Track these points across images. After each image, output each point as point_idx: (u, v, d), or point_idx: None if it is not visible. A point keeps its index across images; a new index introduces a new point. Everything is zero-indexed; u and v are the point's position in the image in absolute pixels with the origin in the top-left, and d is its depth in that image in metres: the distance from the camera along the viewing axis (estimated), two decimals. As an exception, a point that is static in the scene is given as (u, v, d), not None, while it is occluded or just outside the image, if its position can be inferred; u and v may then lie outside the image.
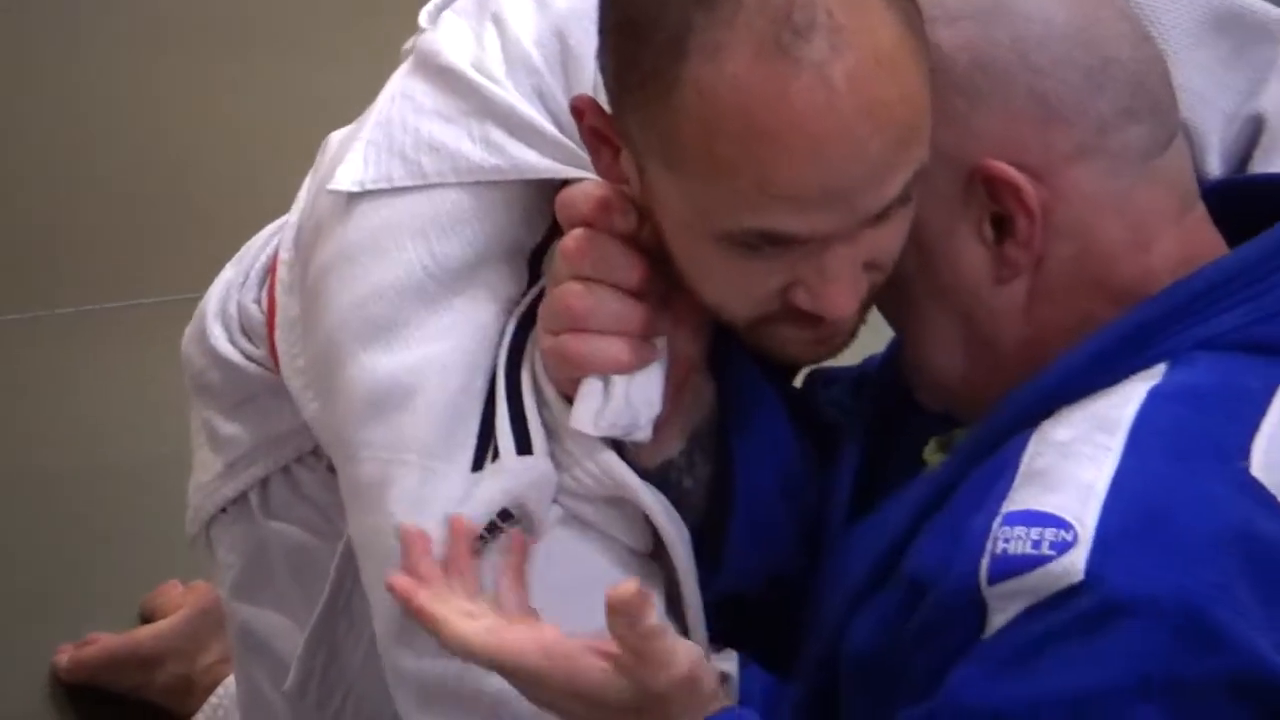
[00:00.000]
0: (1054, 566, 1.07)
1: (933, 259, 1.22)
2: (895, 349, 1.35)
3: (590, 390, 1.24)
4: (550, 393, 1.28)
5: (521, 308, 1.30)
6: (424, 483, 1.28)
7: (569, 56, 1.32)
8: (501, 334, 1.30)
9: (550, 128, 1.30)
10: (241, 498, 1.57)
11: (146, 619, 2.05)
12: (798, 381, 1.44)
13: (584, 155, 1.26)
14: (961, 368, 1.25)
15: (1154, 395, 1.15)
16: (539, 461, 1.27)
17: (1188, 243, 1.22)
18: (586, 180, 1.26)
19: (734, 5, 1.11)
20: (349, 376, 1.31)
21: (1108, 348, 1.19)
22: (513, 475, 1.26)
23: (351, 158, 1.34)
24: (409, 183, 1.31)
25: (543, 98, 1.31)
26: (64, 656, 2.00)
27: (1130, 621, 1.06)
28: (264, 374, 1.52)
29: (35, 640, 2.03)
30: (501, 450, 1.27)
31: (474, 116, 1.31)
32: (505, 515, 1.26)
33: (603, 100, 1.22)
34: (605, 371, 1.24)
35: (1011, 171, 1.17)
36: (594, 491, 1.29)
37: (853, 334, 1.24)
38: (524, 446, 1.27)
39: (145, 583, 2.08)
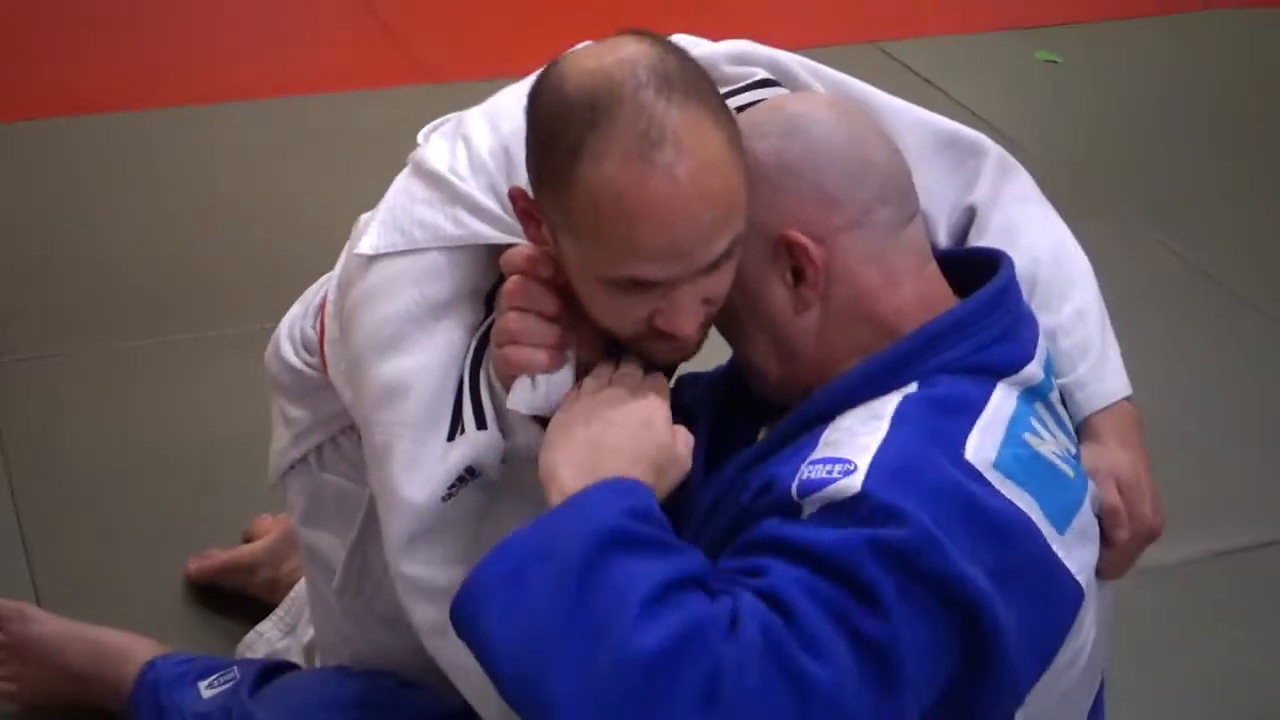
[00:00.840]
0: (841, 483, 1.25)
1: (753, 297, 1.40)
2: (734, 362, 1.53)
3: (522, 384, 1.42)
4: (498, 386, 1.45)
5: (480, 330, 1.49)
6: (415, 448, 1.46)
7: (512, 164, 1.49)
8: (468, 348, 1.48)
9: (498, 210, 1.49)
10: (304, 459, 1.80)
11: (248, 541, 2.27)
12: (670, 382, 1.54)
13: (517, 226, 1.45)
14: (776, 372, 1.43)
15: (908, 400, 1.34)
16: (491, 433, 1.45)
17: (925, 289, 1.41)
18: (521, 244, 1.44)
19: (610, 126, 1.27)
20: (371, 375, 1.49)
21: (876, 368, 1.37)
22: (473, 443, 1.45)
23: (370, 231, 1.55)
24: (405, 248, 1.51)
25: (495, 190, 1.50)
26: (192, 565, 2.23)
27: (889, 521, 1.23)
28: (318, 376, 1.75)
29: (173, 554, 2.27)
30: (466, 426, 1.45)
31: (448, 203, 1.50)
32: (470, 471, 1.45)
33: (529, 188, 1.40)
34: (532, 372, 1.42)
35: (803, 238, 1.36)
36: (523, 450, 1.46)
37: (698, 346, 1.41)
38: (481, 423, 1.45)
39: (248, 516, 2.31)
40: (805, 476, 1.28)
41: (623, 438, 1.34)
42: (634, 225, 1.29)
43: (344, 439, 1.78)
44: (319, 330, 1.76)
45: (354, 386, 1.57)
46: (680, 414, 1.44)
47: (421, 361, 1.48)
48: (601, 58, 1.32)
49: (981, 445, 1.32)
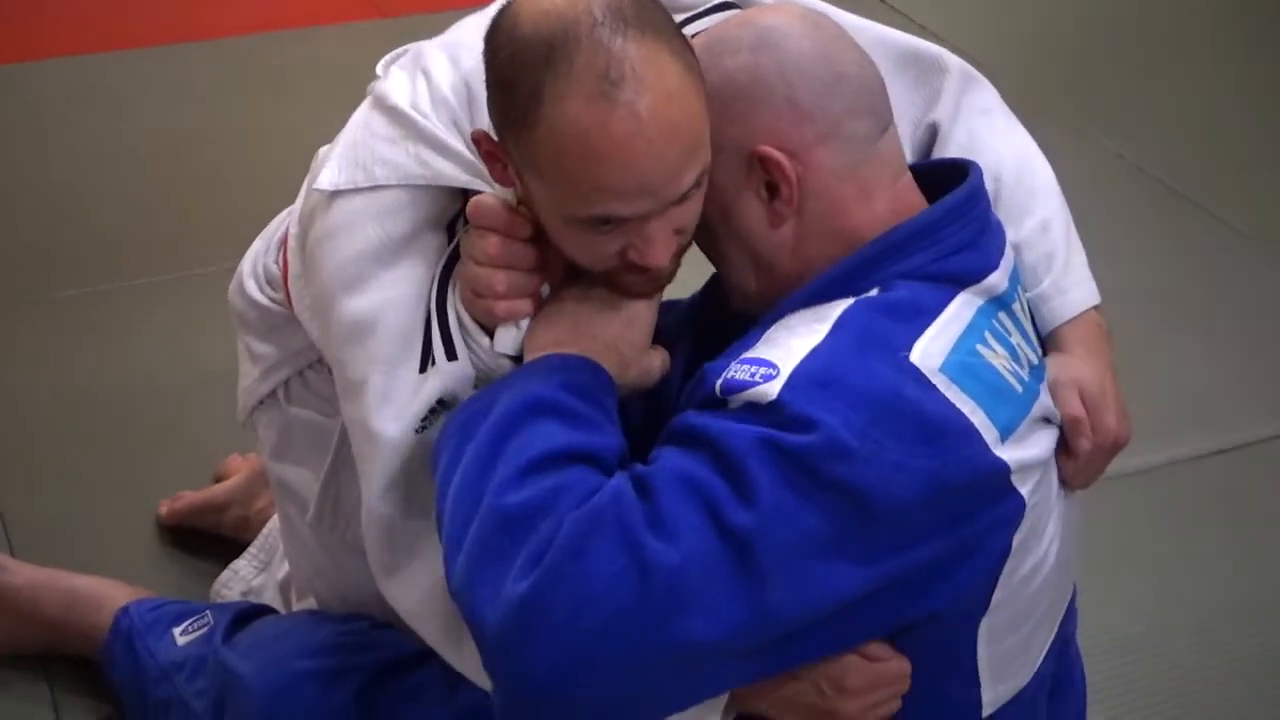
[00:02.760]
0: (760, 389, 1.25)
1: (729, 214, 1.38)
2: (713, 281, 1.52)
3: (506, 330, 1.43)
4: (470, 325, 1.43)
5: (442, 262, 1.46)
6: (387, 381, 1.44)
7: (473, 99, 1.46)
8: (432, 280, 1.45)
9: (461, 148, 1.45)
10: (272, 394, 1.76)
11: (219, 479, 2.24)
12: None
13: (483, 169, 1.42)
14: (754, 285, 1.41)
15: (857, 303, 1.31)
16: (462, 365, 1.43)
17: (898, 201, 1.38)
18: (488, 192, 1.41)
19: (568, 67, 1.25)
20: (337, 313, 1.46)
21: (837, 275, 1.35)
22: (444, 374, 1.43)
23: (329, 166, 1.50)
24: (367, 185, 1.47)
25: (457, 126, 1.46)
26: (163, 508, 2.20)
27: (800, 431, 1.23)
28: (283, 310, 1.71)
29: (144, 499, 2.23)
30: (436, 358, 1.43)
31: (410, 140, 1.46)
32: (441, 404, 1.43)
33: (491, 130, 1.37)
34: (519, 320, 1.42)
35: (776, 153, 1.34)
36: (493, 374, 1.44)
37: (671, 275, 1.40)
38: (451, 354, 1.43)
39: (218, 457, 2.28)
40: (731, 375, 1.28)
41: (602, 325, 1.37)
42: (600, 165, 1.27)
43: (311, 373, 1.74)
44: (282, 265, 1.72)
45: (321, 324, 1.54)
46: (659, 339, 1.45)
47: (388, 297, 1.45)
48: (556, 2, 1.28)
49: (929, 350, 1.30)
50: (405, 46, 1.62)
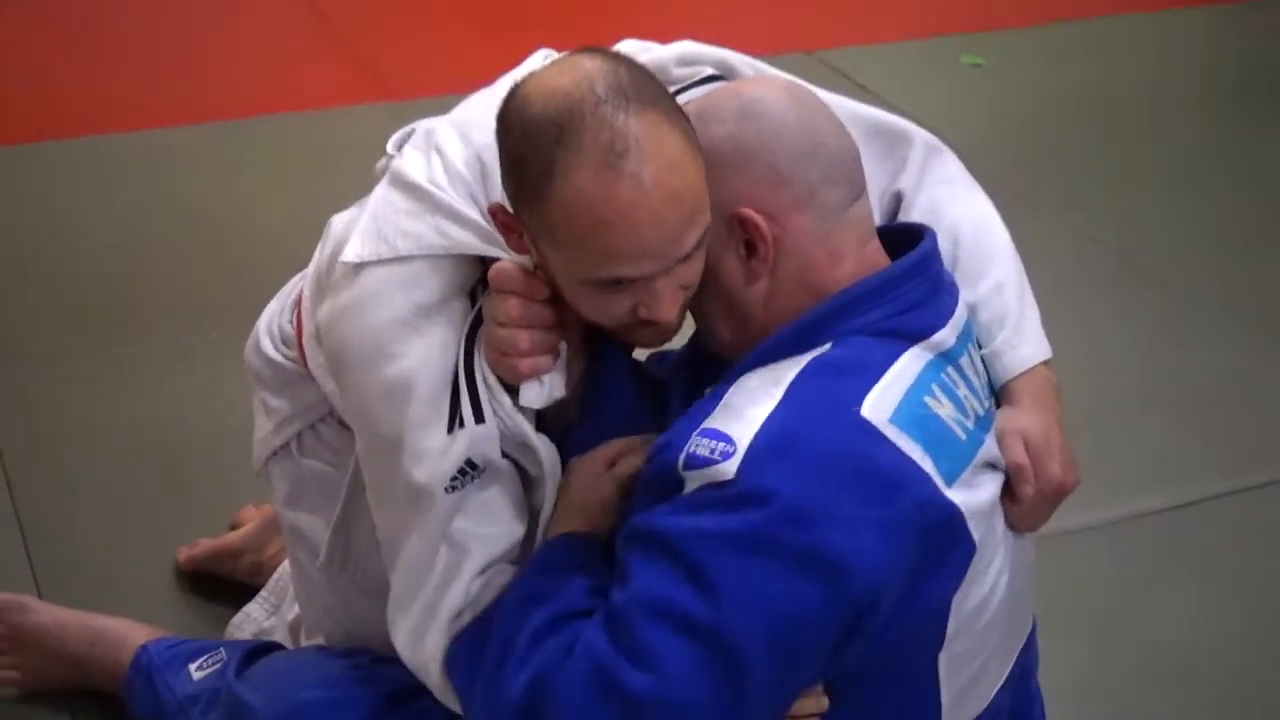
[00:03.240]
0: (719, 466, 1.30)
1: (709, 269, 1.43)
2: (697, 333, 1.56)
3: (530, 386, 1.48)
4: (495, 386, 1.48)
5: (466, 327, 1.50)
6: (420, 441, 1.47)
7: (486, 173, 1.51)
8: (459, 344, 1.49)
9: (479, 218, 1.49)
10: (285, 446, 1.82)
11: (234, 528, 2.29)
12: (642, 357, 1.66)
13: (499, 238, 1.48)
14: (728, 335, 1.47)
15: (810, 365, 1.36)
16: (489, 426, 1.47)
17: (864, 263, 1.43)
18: (506, 259, 1.46)
19: (577, 143, 1.31)
20: (369, 379, 1.50)
21: (798, 329, 1.40)
22: (472, 436, 1.47)
23: (354, 240, 1.54)
24: (391, 256, 1.51)
25: (473, 198, 1.51)
26: (182, 554, 2.26)
27: (754, 506, 1.28)
28: (297, 368, 1.77)
29: (165, 545, 2.30)
30: (465, 420, 1.47)
31: (429, 213, 1.51)
32: (471, 465, 1.47)
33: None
34: (540, 375, 1.48)
35: (756, 216, 1.39)
36: (513, 435, 1.50)
37: (678, 327, 1.46)
38: (479, 418, 1.47)
39: (233, 507, 2.34)
40: (692, 450, 1.33)
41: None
42: (609, 232, 1.33)
43: (323, 426, 1.80)
44: (296, 325, 1.79)
45: (346, 387, 1.58)
46: (653, 384, 1.56)
47: (418, 362, 1.49)
48: (560, 78, 1.35)
49: (878, 403, 1.35)
50: (413, 125, 1.68)
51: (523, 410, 1.49)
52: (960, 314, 1.48)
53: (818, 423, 1.33)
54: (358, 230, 1.56)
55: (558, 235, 1.36)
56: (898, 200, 1.62)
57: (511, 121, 1.36)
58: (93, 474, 2.53)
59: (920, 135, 1.65)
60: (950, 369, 1.44)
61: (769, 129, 1.41)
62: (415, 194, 1.53)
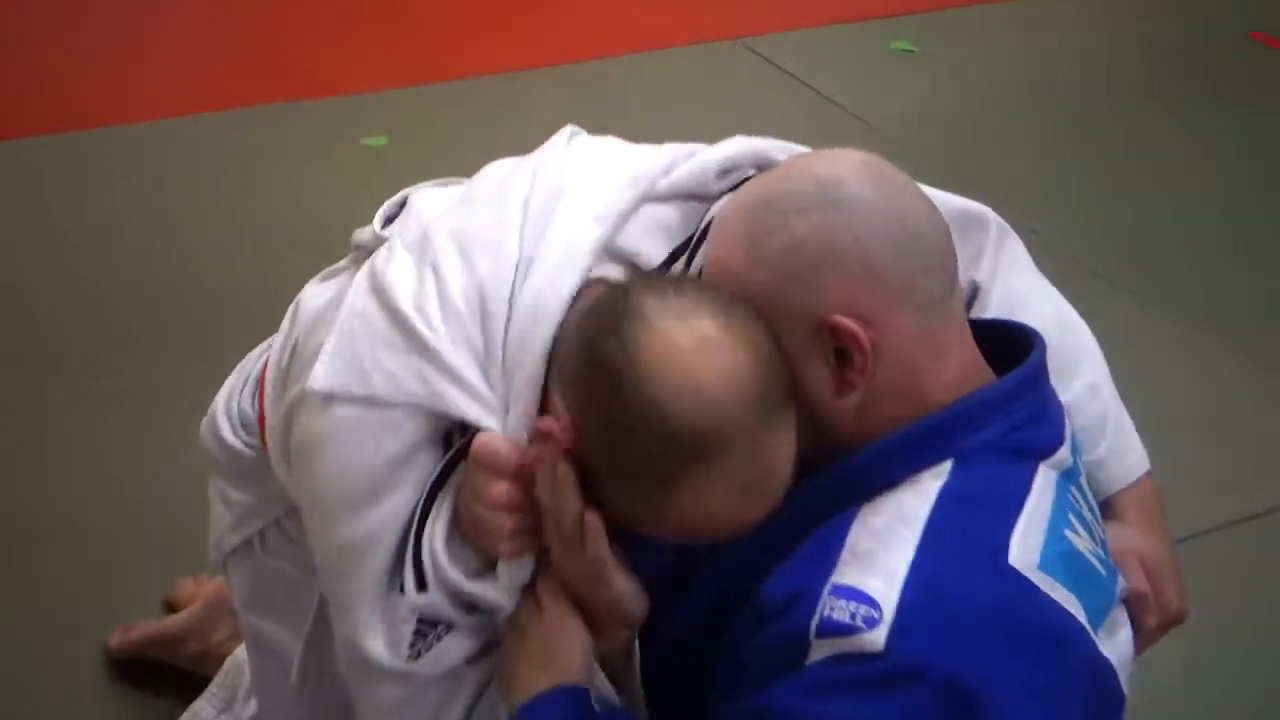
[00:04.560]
0: (865, 637, 1.13)
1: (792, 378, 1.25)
2: None
3: (507, 565, 1.34)
4: (445, 562, 1.33)
5: (428, 485, 1.35)
6: (372, 612, 1.36)
7: (485, 312, 1.35)
8: (416, 505, 1.35)
9: (467, 373, 1.33)
10: (247, 543, 1.64)
11: (169, 605, 2.11)
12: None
13: (489, 396, 1.32)
14: (806, 445, 1.26)
15: (942, 497, 1.20)
16: (432, 595, 1.34)
17: (966, 362, 1.28)
18: (494, 433, 1.32)
19: (722, 469, 1.18)
20: (326, 532, 1.40)
21: (907, 441, 1.23)
22: (412, 604, 1.35)
23: (323, 361, 1.38)
24: (365, 394, 1.35)
25: (468, 341, 1.35)
26: (114, 639, 2.06)
27: (908, 686, 1.12)
28: (258, 456, 1.58)
29: (92, 627, 2.09)
30: (406, 587, 1.34)
31: (414, 354, 1.35)
32: (426, 623, 1.36)
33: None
34: (523, 557, 1.33)
35: (851, 323, 1.21)
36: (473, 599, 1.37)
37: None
38: (420, 586, 1.34)
39: (168, 580, 2.14)
40: (828, 613, 1.15)
41: (558, 649, 1.31)
42: (714, 532, 1.25)
43: (289, 522, 1.60)
44: (258, 409, 1.59)
45: (307, 526, 1.45)
46: None
47: (379, 524, 1.36)
48: (705, 374, 1.18)
49: (1026, 546, 1.20)
50: (405, 193, 1.52)
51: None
52: (1069, 427, 1.33)
53: (966, 574, 1.17)
54: (330, 346, 1.39)
55: (652, 514, 1.24)
56: (974, 291, 1.45)
57: (637, 409, 1.19)
58: (5, 542, 2.27)
59: (994, 219, 1.50)
60: (1073, 489, 1.29)
61: (859, 219, 1.23)
62: (401, 325, 1.36)
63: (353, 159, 3.30)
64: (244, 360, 1.67)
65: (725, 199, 1.39)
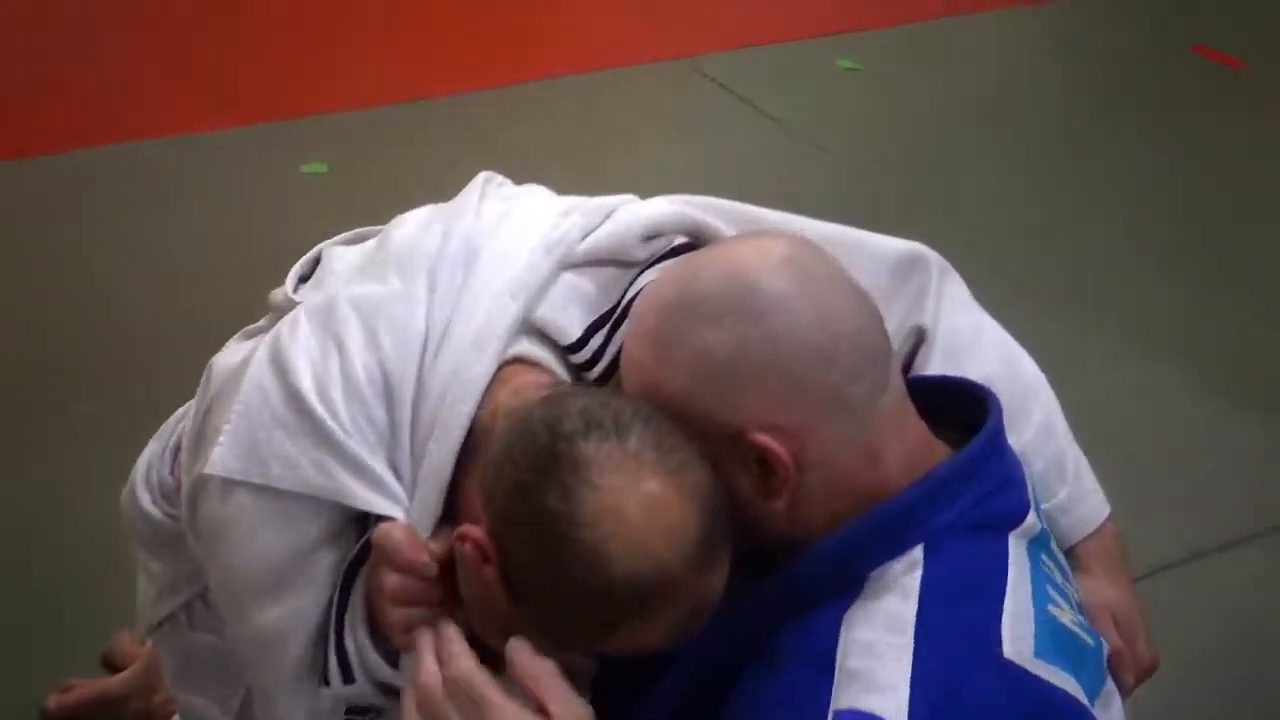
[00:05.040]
0: None
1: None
2: None
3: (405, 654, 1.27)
4: (366, 645, 1.29)
5: (342, 572, 1.30)
6: (295, 695, 1.32)
7: (390, 393, 1.28)
8: (333, 591, 1.30)
9: (369, 462, 1.27)
10: (172, 616, 1.57)
11: (107, 661, 2.07)
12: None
13: (392, 485, 1.26)
14: (746, 542, 1.21)
15: (925, 594, 1.14)
16: (359, 685, 1.30)
17: (911, 446, 1.20)
18: (394, 523, 1.25)
19: (659, 612, 1.12)
20: (239, 619, 1.34)
21: (869, 532, 1.17)
22: (338, 695, 1.31)
23: (223, 442, 1.31)
24: (263, 483, 1.28)
25: (371, 422, 1.28)
26: (52, 700, 2.00)
27: None
28: (179, 526, 1.46)
29: (26, 686, 2.02)
30: (332, 680, 1.30)
31: (312, 441, 1.27)
32: (360, 710, 1.32)
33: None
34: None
35: (768, 440, 1.15)
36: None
37: None
38: (347, 678, 1.30)
39: (105, 632, 2.09)
40: None
41: None
42: (648, 650, 1.17)
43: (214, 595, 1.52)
44: (177, 478, 1.52)
45: (223, 614, 1.39)
46: None
47: (287, 613, 1.30)
48: (650, 534, 1.11)
49: (1017, 634, 1.15)
50: (316, 250, 1.46)
51: None
52: (1032, 486, 1.26)
53: (970, 677, 1.12)
54: (228, 427, 1.31)
55: (580, 644, 1.18)
56: (918, 335, 1.39)
57: (579, 570, 1.12)
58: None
59: (933, 258, 1.43)
60: (1044, 556, 1.23)
61: (778, 329, 1.15)
62: (300, 409, 1.29)
63: (291, 187, 3.25)
64: (162, 426, 1.61)
65: (647, 278, 1.33)
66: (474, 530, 1.18)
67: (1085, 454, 1.40)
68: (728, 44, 4.06)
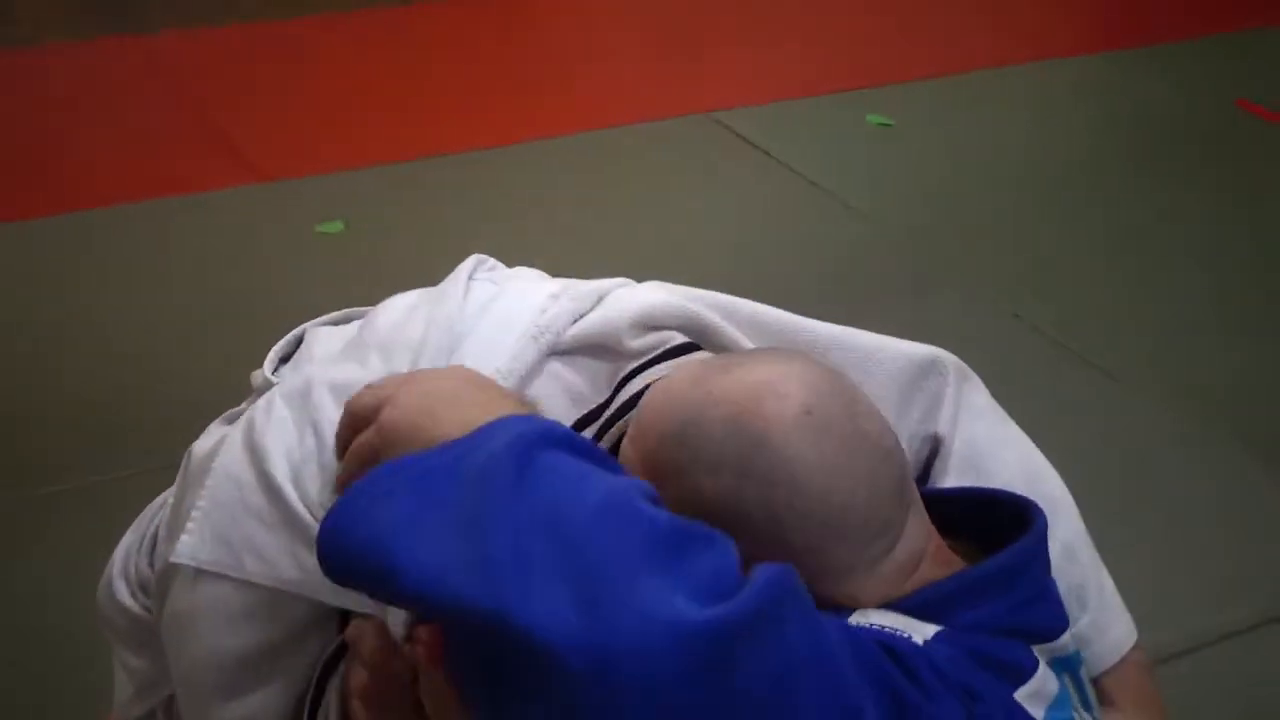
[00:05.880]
0: None
1: None
2: None
3: None
4: None
5: (320, 665, 1.25)
6: None
7: None
8: (309, 683, 1.26)
9: None
10: (151, 713, 1.48)
11: None
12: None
13: None
14: None
15: None
16: None
17: (925, 576, 1.09)
18: (366, 621, 1.18)
19: None
20: (198, 711, 1.29)
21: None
22: None
23: (192, 529, 1.27)
24: (235, 575, 1.24)
25: None
26: None
27: None
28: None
29: None
30: None
31: (288, 533, 1.23)
32: None
33: None
34: None
35: None
36: None
37: None
38: None
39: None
40: None
41: None
42: None
43: None
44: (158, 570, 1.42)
45: (188, 709, 1.33)
46: None
47: (257, 708, 1.26)
48: None
49: None
50: (301, 330, 1.39)
51: None
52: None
53: None
54: (198, 513, 1.27)
55: None
56: (934, 444, 1.31)
57: None
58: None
59: (952, 362, 1.35)
60: (1069, 679, 1.12)
61: (778, 494, 1.03)
62: (276, 499, 1.24)
63: (306, 247, 3.16)
64: (140, 516, 1.51)
65: (645, 379, 1.24)
66: (424, 631, 1.07)
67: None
68: (750, 99, 3.95)
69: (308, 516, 1.21)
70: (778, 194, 3.48)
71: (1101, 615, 1.26)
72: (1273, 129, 3.97)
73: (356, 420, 1.14)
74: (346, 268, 2.99)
